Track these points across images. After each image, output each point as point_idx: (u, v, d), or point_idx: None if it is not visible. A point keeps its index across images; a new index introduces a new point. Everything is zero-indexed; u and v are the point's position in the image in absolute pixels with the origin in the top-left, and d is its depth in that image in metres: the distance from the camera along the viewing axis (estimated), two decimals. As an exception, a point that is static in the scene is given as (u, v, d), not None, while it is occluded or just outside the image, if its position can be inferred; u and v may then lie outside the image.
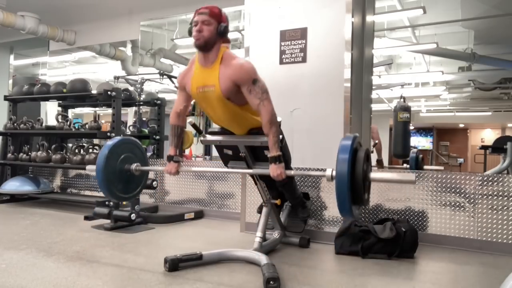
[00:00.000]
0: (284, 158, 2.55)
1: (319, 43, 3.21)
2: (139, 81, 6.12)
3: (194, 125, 2.63)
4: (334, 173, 1.89)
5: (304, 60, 3.26)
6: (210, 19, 2.20)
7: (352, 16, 3.11)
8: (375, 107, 7.45)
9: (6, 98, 5.12)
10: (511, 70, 8.16)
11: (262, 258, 2.32)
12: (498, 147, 6.27)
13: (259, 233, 2.59)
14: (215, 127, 2.63)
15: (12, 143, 4.99)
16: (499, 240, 2.92)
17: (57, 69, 8.74)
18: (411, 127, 7.65)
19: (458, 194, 3.08)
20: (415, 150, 6.89)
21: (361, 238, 2.76)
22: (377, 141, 6.08)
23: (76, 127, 4.61)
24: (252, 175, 2.69)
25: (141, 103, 5.48)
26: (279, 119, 2.39)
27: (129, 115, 7.90)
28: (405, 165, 6.93)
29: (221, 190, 4.12)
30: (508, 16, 5.62)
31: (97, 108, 5.58)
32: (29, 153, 4.69)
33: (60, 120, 4.59)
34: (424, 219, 3.15)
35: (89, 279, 2.19)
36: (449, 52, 7.28)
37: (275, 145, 2.22)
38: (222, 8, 2.30)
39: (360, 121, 3.46)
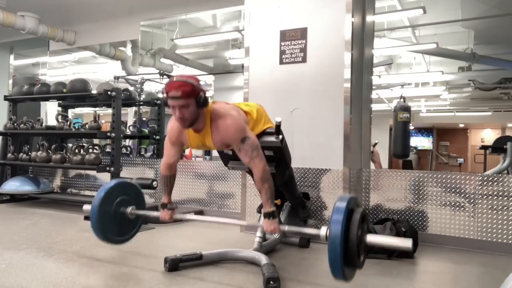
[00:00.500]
0: (284, 158, 2.56)
1: (319, 43, 3.21)
2: (139, 81, 6.13)
3: None
4: (328, 233, 1.79)
5: (304, 60, 3.26)
6: (187, 101, 1.98)
7: (352, 16, 3.11)
8: (375, 107, 7.46)
9: (6, 98, 5.12)
10: (511, 70, 8.16)
11: (262, 258, 2.32)
12: (498, 147, 6.27)
13: (259, 233, 2.59)
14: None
15: (12, 143, 4.98)
16: (499, 240, 2.92)
17: (57, 69, 8.75)
18: (411, 127, 7.65)
19: (458, 194, 3.08)
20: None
21: (361, 238, 2.76)
22: (372, 150, 6.10)
23: (76, 127, 4.61)
24: (252, 175, 2.68)
25: (141, 103, 5.48)
26: (279, 119, 2.39)
27: (129, 115, 7.91)
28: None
29: (221, 190, 4.12)
30: (508, 16, 5.62)
31: (97, 108, 5.58)
32: (29, 153, 4.68)
33: (60, 120, 4.59)
34: (424, 219, 3.15)
35: (89, 279, 2.19)
36: (449, 52, 7.28)
37: (268, 201, 2.11)
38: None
39: (360, 121, 3.46)
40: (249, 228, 3.35)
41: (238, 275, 2.31)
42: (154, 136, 5.14)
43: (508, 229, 2.91)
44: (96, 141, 5.74)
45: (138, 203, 2.56)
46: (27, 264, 2.40)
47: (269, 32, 3.40)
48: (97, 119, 4.37)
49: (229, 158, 2.71)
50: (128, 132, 5.29)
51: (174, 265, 2.34)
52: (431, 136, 16.90)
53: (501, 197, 2.95)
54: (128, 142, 6.26)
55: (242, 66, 3.60)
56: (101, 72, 9.21)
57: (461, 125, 16.70)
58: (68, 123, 4.55)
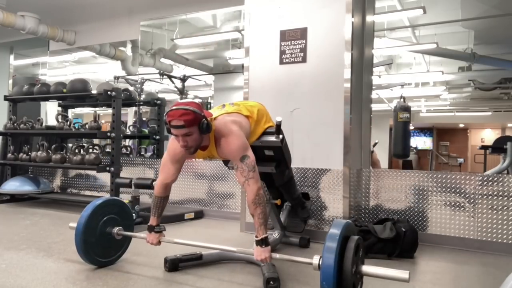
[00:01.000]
0: (284, 158, 2.56)
1: (319, 43, 3.21)
2: (139, 81, 6.13)
3: None
4: (320, 262, 1.69)
5: (304, 60, 3.26)
6: (190, 129, 1.94)
7: (352, 16, 3.11)
8: (375, 107, 7.47)
9: (6, 98, 5.12)
10: (511, 70, 8.16)
11: (262, 258, 2.31)
12: (498, 147, 6.26)
13: (259, 233, 2.58)
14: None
15: (12, 143, 4.98)
16: (499, 240, 2.92)
17: (57, 69, 8.75)
18: (411, 127, 7.65)
19: (458, 194, 3.08)
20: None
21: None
22: (372, 150, 6.10)
23: (76, 127, 4.61)
24: None
25: (141, 103, 5.48)
26: (279, 119, 2.38)
27: (129, 115, 7.91)
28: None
29: (221, 190, 4.12)
30: (508, 16, 5.61)
31: (97, 108, 5.58)
32: (29, 153, 4.68)
33: (60, 120, 4.59)
34: (424, 219, 3.15)
35: (89, 279, 2.19)
36: (449, 52, 7.28)
37: (260, 227, 2.01)
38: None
39: (360, 121, 3.46)
40: (249, 228, 3.35)
41: (238, 275, 2.31)
42: (154, 136, 5.15)
43: (508, 229, 2.91)
44: (96, 141, 5.75)
45: (125, 220, 2.47)
46: (27, 264, 2.40)
47: (269, 32, 3.40)
48: (97, 119, 4.38)
49: (229, 158, 2.71)
50: (128, 132, 5.29)
51: (174, 265, 2.34)
52: (431, 136, 16.90)
53: (501, 197, 2.96)
54: (128, 142, 6.26)
55: (242, 66, 3.60)
56: (101, 72, 9.21)
57: (461, 125, 16.70)
58: (68, 123, 4.55)
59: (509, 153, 5.80)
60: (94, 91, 4.62)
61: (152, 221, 2.29)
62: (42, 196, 4.79)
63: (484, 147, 7.34)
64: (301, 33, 3.27)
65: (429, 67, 8.84)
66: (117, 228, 2.38)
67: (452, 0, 5.83)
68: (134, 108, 7.17)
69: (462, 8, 5.87)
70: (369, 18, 3.54)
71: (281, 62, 3.35)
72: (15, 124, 4.88)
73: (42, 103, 6.10)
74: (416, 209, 3.18)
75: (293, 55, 3.30)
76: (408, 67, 9.50)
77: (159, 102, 5.17)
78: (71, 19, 5.50)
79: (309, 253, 2.86)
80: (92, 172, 4.85)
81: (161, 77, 6.75)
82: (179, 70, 8.35)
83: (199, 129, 1.96)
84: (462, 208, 3.06)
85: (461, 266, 2.63)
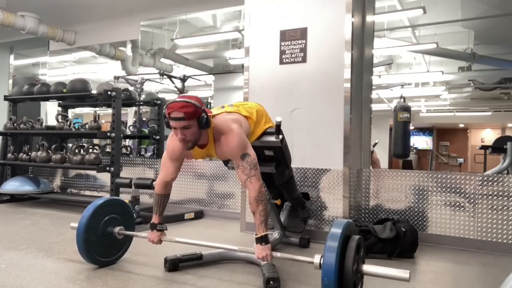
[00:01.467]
0: (284, 158, 2.56)
1: (319, 43, 3.21)
2: (139, 81, 6.12)
3: None
4: (322, 261, 1.71)
5: (304, 60, 3.26)
6: (189, 122, 1.94)
7: (352, 16, 3.11)
8: (375, 107, 7.46)
9: (6, 98, 5.12)
10: (511, 70, 8.16)
11: (262, 258, 2.31)
12: (498, 147, 6.26)
13: (259, 233, 2.58)
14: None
15: (12, 143, 4.98)
16: (499, 240, 2.92)
17: (57, 69, 8.75)
18: (411, 127, 7.65)
19: (458, 194, 3.08)
20: None
21: (361, 238, 2.76)
22: (372, 150, 6.10)
23: (76, 127, 4.61)
24: None
25: (141, 103, 5.48)
26: (279, 119, 2.38)
27: (129, 115, 7.91)
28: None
29: (221, 190, 4.12)
30: (508, 16, 5.61)
31: (97, 108, 5.58)
32: (29, 153, 4.68)
33: (60, 120, 4.59)
34: (424, 219, 3.15)
35: (89, 279, 2.19)
36: (449, 52, 7.28)
37: (261, 224, 2.02)
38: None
39: (360, 121, 3.46)
40: (249, 228, 3.35)
41: (238, 275, 2.31)
42: (154, 136, 5.15)
43: (508, 229, 2.91)
44: (96, 141, 5.75)
45: (126, 220, 2.48)
46: (27, 264, 2.40)
47: (269, 32, 3.40)
48: (97, 119, 4.38)
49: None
50: (128, 132, 5.29)
51: (174, 265, 2.34)
52: (431, 135, 16.90)
53: (501, 197, 2.96)
54: (128, 142, 6.26)
55: (242, 66, 3.60)
56: (101, 72, 9.20)
57: (461, 125, 16.70)
58: (68, 123, 4.55)
59: (509, 153, 5.80)
60: (94, 91, 4.62)
61: (154, 219, 2.30)
62: (42, 196, 4.79)
63: (484, 147, 7.34)
64: (301, 33, 3.27)
65: (429, 67, 8.84)
66: (119, 227, 2.39)
67: (452, 0, 5.82)
68: (134, 108, 7.17)
69: (462, 8, 5.86)
70: (369, 18, 3.55)
71: (281, 62, 3.35)
72: (15, 124, 4.88)
73: (42, 103, 6.10)
74: (416, 209, 3.18)
75: (293, 55, 3.30)
76: (408, 67, 9.50)
77: (159, 102, 5.17)
78: (71, 19, 5.50)
79: (309, 253, 2.86)
80: (92, 172, 4.85)
81: (161, 77, 6.74)
82: (179, 70, 8.35)
83: (198, 123, 1.95)
84: (462, 208, 3.06)
85: (461, 266, 2.63)
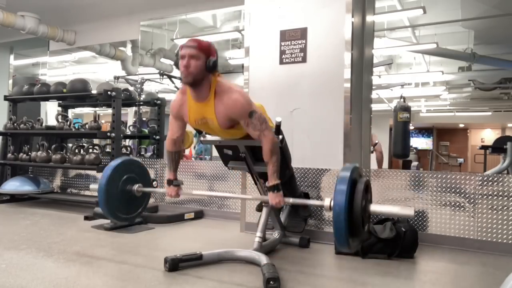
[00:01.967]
0: (284, 158, 2.56)
1: (319, 43, 3.21)
2: (139, 81, 6.12)
3: None
4: (332, 203, 1.85)
5: (304, 60, 3.26)
6: (199, 53, 2.05)
7: (352, 16, 3.11)
8: (375, 107, 7.47)
9: (6, 98, 5.12)
10: (511, 70, 8.16)
11: (262, 258, 2.31)
12: (498, 147, 6.27)
13: (259, 233, 2.58)
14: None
15: (12, 143, 4.98)
16: (499, 240, 2.92)
17: (57, 69, 8.75)
18: (411, 127, 7.65)
19: (458, 194, 3.08)
20: None
21: (361, 238, 2.76)
22: (377, 141, 6.09)
23: (76, 127, 4.61)
24: (252, 175, 2.68)
25: (141, 103, 5.48)
26: (279, 119, 2.39)
27: (129, 115, 7.90)
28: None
29: (221, 190, 4.11)
30: (508, 16, 5.62)
31: (97, 108, 5.58)
32: (29, 153, 4.69)
33: (60, 120, 4.59)
34: (424, 219, 3.15)
35: (89, 279, 2.19)
36: (449, 52, 7.28)
37: (274, 174, 2.20)
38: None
39: (360, 121, 3.46)
40: (249, 228, 3.35)
41: (238, 275, 2.31)
42: (154, 136, 5.14)
43: (508, 229, 2.91)
44: (96, 141, 5.74)
45: (143, 180, 2.60)
46: (27, 264, 2.40)
47: (269, 32, 3.40)
48: (97, 119, 4.37)
49: (229, 158, 2.71)
50: (128, 132, 5.29)
51: (174, 265, 2.34)
52: (431, 137, 16.90)
53: (501, 197, 2.95)
54: (128, 142, 6.26)
55: (242, 66, 3.60)
56: (101, 72, 9.21)
57: (461, 125, 16.70)
58: (68, 123, 4.55)
59: (509, 153, 5.80)
60: (94, 91, 4.62)
61: (170, 175, 2.49)
62: (42, 196, 4.79)
63: (484, 147, 7.34)
64: (301, 33, 3.27)
65: (429, 67, 8.84)
66: (137, 185, 2.49)
67: (452, 0, 5.83)
68: (134, 108, 7.17)
69: (462, 8, 5.87)
70: (369, 18, 3.55)
71: (281, 62, 3.35)
72: (15, 124, 4.88)
73: (42, 103, 6.10)
74: (416, 209, 3.18)
75: (293, 55, 3.30)
76: (408, 67, 9.50)
77: (159, 102, 5.17)
78: (71, 19, 5.50)
79: (309, 253, 2.86)
80: (92, 172, 4.85)
81: (161, 77, 6.74)
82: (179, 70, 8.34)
83: (206, 60, 2.06)
84: (462, 208, 3.06)
85: (461, 266, 2.63)
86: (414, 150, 15.47)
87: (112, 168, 2.48)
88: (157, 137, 5.13)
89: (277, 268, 2.22)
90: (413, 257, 2.74)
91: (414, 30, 7.19)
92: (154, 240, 3.10)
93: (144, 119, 6.24)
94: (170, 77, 6.80)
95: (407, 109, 5.85)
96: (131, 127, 5.41)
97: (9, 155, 4.84)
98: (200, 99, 2.17)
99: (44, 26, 5.14)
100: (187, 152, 7.56)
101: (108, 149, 5.03)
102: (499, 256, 2.85)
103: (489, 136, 15.74)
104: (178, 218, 3.85)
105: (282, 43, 3.34)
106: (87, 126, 4.40)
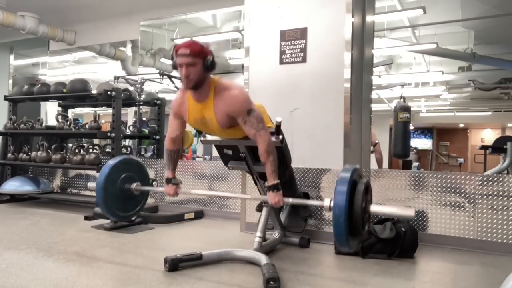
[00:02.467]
0: (284, 158, 2.56)
1: (319, 43, 3.21)
2: (139, 81, 6.12)
3: None
4: (332, 203, 1.85)
5: (304, 60, 3.26)
6: (195, 59, 2.03)
7: (352, 16, 3.11)
8: (375, 107, 7.45)
9: (6, 98, 5.12)
10: (511, 70, 8.16)
11: (262, 258, 2.32)
12: (498, 147, 6.27)
13: (259, 233, 2.59)
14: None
15: (12, 143, 4.98)
16: (499, 240, 2.92)
17: (57, 69, 8.74)
18: (411, 127, 7.65)
19: (458, 194, 3.08)
20: None
21: (361, 238, 2.76)
22: (377, 141, 6.08)
23: (76, 127, 4.61)
24: (252, 175, 2.68)
25: (141, 103, 5.48)
26: (279, 119, 2.39)
27: (129, 115, 7.90)
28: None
29: (221, 190, 4.11)
30: (508, 16, 5.61)
31: (97, 108, 5.58)
32: (29, 153, 4.68)
33: (60, 120, 4.59)
34: (424, 219, 3.15)
35: (89, 279, 2.19)
36: (449, 52, 7.28)
37: (272, 174, 2.19)
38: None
39: (360, 121, 3.46)
40: (249, 228, 3.35)
41: (238, 275, 2.31)
42: (154, 136, 5.14)
43: (508, 229, 2.91)
44: (96, 141, 5.74)
45: (142, 179, 2.60)
46: (27, 264, 2.40)
47: (269, 32, 3.40)
48: (97, 119, 4.37)
49: (229, 158, 2.71)
50: (128, 132, 5.29)
51: (174, 265, 2.34)
52: (431, 138, 16.90)
53: (501, 197, 2.95)
54: (128, 142, 6.26)
55: (242, 66, 3.60)
56: (101, 72, 9.20)
57: (461, 125, 16.69)
58: (68, 123, 4.55)
59: (509, 153, 5.80)
60: (94, 91, 4.62)
61: (169, 174, 2.45)
62: (42, 196, 4.79)
63: (484, 147, 7.34)
64: (301, 33, 3.27)
65: (429, 67, 8.84)
66: (135, 184, 2.49)
67: (452, 0, 5.83)
68: (134, 108, 7.16)
69: (462, 8, 5.87)
70: (369, 18, 3.55)
71: (281, 62, 3.35)
72: (15, 124, 4.88)
73: (42, 103, 6.10)
74: (416, 209, 3.17)
75: (293, 55, 3.30)
76: (408, 67, 9.50)
77: (159, 102, 5.17)
78: (71, 19, 5.50)
79: (309, 253, 2.86)
80: (92, 172, 4.85)
81: (161, 77, 6.74)
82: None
83: (203, 63, 2.04)
84: (462, 208, 3.06)
85: (461, 266, 2.63)
86: (414, 150, 15.47)
87: (110, 167, 2.48)
88: (157, 137, 5.13)
89: (277, 268, 2.22)
90: (413, 257, 2.74)
91: (414, 30, 7.18)
92: (154, 240, 3.10)
93: (144, 119, 6.24)
94: (170, 77, 6.79)
95: (407, 109, 5.85)
96: (131, 127, 5.41)
97: (9, 155, 4.84)
98: (200, 100, 2.18)
99: (44, 26, 5.14)
100: (186, 152, 7.56)
101: (108, 149, 5.03)
102: (499, 256, 2.85)
103: (489, 136, 15.74)
104: (178, 218, 3.85)
105: (282, 43, 3.34)
106: (87, 126, 4.40)
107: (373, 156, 6.01)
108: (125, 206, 2.54)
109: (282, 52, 3.35)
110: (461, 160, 15.54)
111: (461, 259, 2.78)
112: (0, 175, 5.01)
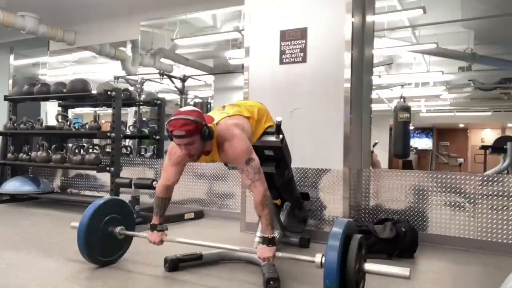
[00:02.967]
0: (285, 158, 2.56)
1: (319, 43, 3.21)
2: (139, 81, 6.13)
3: None
4: (323, 259, 1.70)
5: (304, 60, 3.26)
6: (192, 138, 1.94)
7: (352, 16, 3.11)
8: (375, 107, 7.44)
9: (6, 98, 5.12)
10: (511, 70, 8.16)
11: (262, 258, 2.31)
12: (498, 147, 6.27)
13: (259, 233, 2.58)
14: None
15: (12, 143, 4.98)
16: (499, 240, 2.92)
17: (57, 69, 8.72)
18: (411, 127, 7.65)
19: (458, 194, 3.08)
20: None
21: (361, 238, 2.76)
22: (372, 150, 6.09)
23: (76, 127, 4.61)
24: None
25: (141, 103, 5.49)
26: (279, 119, 2.38)
27: (129, 115, 7.90)
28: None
29: (221, 190, 4.12)
30: (508, 16, 5.61)
31: (97, 108, 5.58)
32: (29, 153, 4.68)
33: (60, 120, 4.59)
34: (424, 219, 3.15)
35: (89, 279, 2.19)
36: (449, 52, 7.28)
37: (268, 227, 2.04)
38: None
39: (360, 121, 3.46)
40: (249, 228, 3.35)
41: (238, 275, 2.31)
42: (154, 136, 5.14)
43: (508, 229, 2.91)
44: (96, 141, 5.74)
45: (127, 221, 2.48)
46: (27, 264, 2.40)
47: (269, 32, 3.40)
48: (97, 119, 4.37)
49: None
50: (128, 132, 5.29)
51: (174, 265, 2.34)
52: (431, 137, 16.90)
53: (501, 197, 2.95)
54: (128, 142, 6.26)
55: (242, 66, 3.60)
56: (101, 72, 9.19)
57: (461, 125, 16.69)
58: (68, 123, 4.55)
59: (509, 153, 5.80)
60: (94, 91, 4.62)
61: (155, 220, 2.31)
62: (42, 196, 4.79)
63: (484, 147, 7.34)
64: (301, 33, 3.27)
65: (429, 67, 8.83)
66: (119, 227, 2.39)
67: (452, 0, 5.82)
68: (134, 108, 7.17)
69: (462, 8, 5.87)
70: (369, 18, 3.54)
71: (281, 62, 3.35)
72: (15, 124, 4.88)
73: (42, 103, 6.10)
74: (416, 209, 3.18)
75: (293, 55, 3.30)
76: (408, 67, 9.49)
77: (159, 102, 5.17)
78: (71, 19, 5.50)
79: (310, 253, 2.85)
80: (92, 172, 4.85)
81: (161, 77, 6.75)
82: (179, 70, 8.34)
83: (201, 137, 1.96)
84: (462, 208, 3.06)
85: (461, 266, 2.63)
86: (414, 150, 15.46)
87: (95, 207, 2.31)
88: (157, 137, 5.13)
89: (277, 268, 2.22)
90: (413, 257, 2.74)
91: (414, 30, 7.18)
92: (154, 240, 3.10)
93: (144, 119, 6.25)
94: (170, 77, 6.80)
95: (407, 109, 5.85)
96: (131, 127, 5.41)
97: (9, 155, 4.84)
98: (206, 154, 2.15)
99: (44, 26, 5.14)
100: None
101: (108, 149, 5.03)
102: (499, 256, 2.85)
103: (489, 136, 15.73)
104: (178, 218, 3.85)
105: (282, 43, 3.34)
106: (87, 126, 4.40)
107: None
108: (107, 251, 2.36)
109: (282, 52, 3.35)
110: (461, 160, 15.52)
111: (461, 259, 2.78)
112: (0, 175, 5.01)
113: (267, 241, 2.01)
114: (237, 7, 4.99)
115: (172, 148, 2.20)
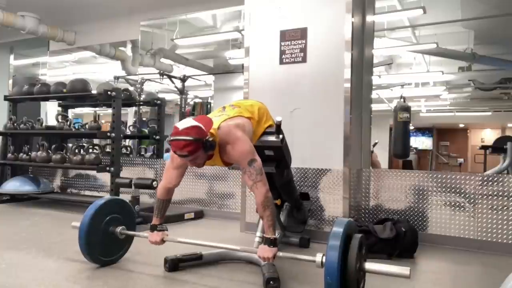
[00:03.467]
0: (285, 158, 2.56)
1: (319, 43, 3.21)
2: (139, 81, 6.13)
3: None
4: (324, 259, 1.71)
5: (304, 60, 3.26)
6: (195, 154, 1.98)
7: (352, 16, 3.11)
8: (375, 107, 7.44)
9: (6, 98, 5.12)
10: (511, 70, 8.16)
11: (262, 258, 2.31)
12: (498, 147, 6.27)
13: (259, 233, 2.58)
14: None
15: (12, 143, 4.98)
16: (499, 240, 2.92)
17: (57, 69, 8.73)
18: (411, 127, 7.65)
19: (458, 194, 3.08)
20: None
21: (361, 238, 2.76)
22: (372, 150, 6.09)
23: (76, 127, 4.60)
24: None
25: (141, 103, 5.49)
26: (279, 118, 2.38)
27: (129, 115, 7.91)
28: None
29: (221, 190, 4.12)
30: (508, 16, 5.62)
31: (97, 108, 5.58)
32: (29, 153, 4.68)
33: (60, 120, 4.59)
34: (424, 219, 3.15)
35: (89, 279, 2.19)
36: (449, 52, 7.28)
37: (270, 228, 2.04)
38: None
39: (360, 121, 3.46)
40: (249, 228, 3.35)
41: (238, 275, 2.31)
42: (154, 136, 5.14)
43: (508, 229, 2.91)
44: (96, 141, 5.75)
45: (128, 220, 2.49)
46: (27, 264, 2.40)
47: (269, 32, 3.40)
48: (97, 119, 4.37)
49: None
50: (128, 132, 5.29)
51: (174, 265, 2.34)
52: (431, 136, 16.90)
53: (501, 197, 2.95)
54: (128, 142, 6.26)
55: (242, 66, 3.60)
56: (101, 72, 9.20)
57: (461, 125, 16.69)
58: (68, 123, 4.55)
59: (509, 153, 5.80)
60: (94, 91, 4.62)
61: (155, 221, 2.33)
62: (42, 196, 4.79)
63: (484, 147, 7.34)
64: (301, 33, 3.27)
65: (429, 67, 8.83)
66: (120, 227, 2.40)
67: (452, 0, 5.83)
68: (134, 108, 7.17)
69: (462, 8, 5.87)
70: (369, 18, 3.54)
71: (281, 62, 3.35)
72: (15, 124, 4.88)
73: (42, 103, 6.10)
74: (416, 209, 3.18)
75: (293, 55, 3.30)
76: (408, 67, 9.49)
77: (159, 102, 5.17)
78: (71, 19, 5.50)
79: (310, 253, 2.85)
80: (92, 172, 4.85)
81: (161, 77, 6.75)
82: (179, 70, 8.35)
83: (203, 150, 1.99)
84: (462, 208, 3.06)
85: (461, 266, 2.63)
86: (414, 150, 15.46)
87: (96, 207, 2.32)
88: (157, 137, 5.13)
89: (277, 268, 2.22)
90: (413, 257, 2.74)
91: (414, 30, 7.18)
92: (154, 240, 3.10)
93: (144, 119, 6.25)
94: (170, 77, 6.80)
95: (407, 109, 5.85)
96: (131, 127, 5.41)
97: (9, 155, 4.84)
98: (209, 158, 2.15)
99: (44, 26, 5.14)
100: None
101: (108, 149, 5.04)
102: (499, 256, 2.85)
103: (489, 136, 15.73)
104: (178, 218, 3.85)
105: (282, 43, 3.34)
106: (87, 126, 4.40)
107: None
108: (108, 250, 2.37)
109: (282, 52, 3.35)
110: (461, 160, 15.53)
111: (461, 259, 2.78)
112: (0, 175, 5.01)
113: (269, 242, 2.02)
114: (237, 7, 4.99)
115: (176, 157, 2.20)
